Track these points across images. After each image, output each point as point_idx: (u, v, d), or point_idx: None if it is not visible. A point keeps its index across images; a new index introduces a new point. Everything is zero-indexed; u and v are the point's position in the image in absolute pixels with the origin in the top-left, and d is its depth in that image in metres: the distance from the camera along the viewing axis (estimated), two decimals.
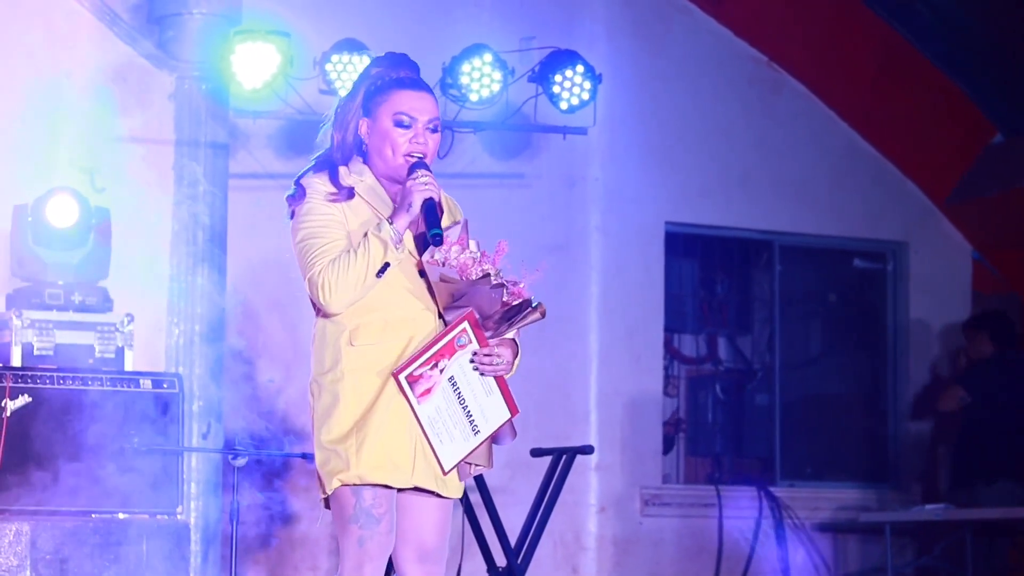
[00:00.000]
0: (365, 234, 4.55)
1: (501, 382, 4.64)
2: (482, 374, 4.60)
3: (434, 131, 4.67)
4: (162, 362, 7.82)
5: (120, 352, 7.26)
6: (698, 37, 9.82)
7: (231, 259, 8.07)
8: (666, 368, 9.95)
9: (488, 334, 4.60)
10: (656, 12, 9.71)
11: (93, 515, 6.76)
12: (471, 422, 4.63)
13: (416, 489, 4.61)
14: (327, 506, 4.65)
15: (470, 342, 4.58)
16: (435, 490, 4.62)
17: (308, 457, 5.66)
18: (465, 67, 8.18)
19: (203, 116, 8.00)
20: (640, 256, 9.63)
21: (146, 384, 7.01)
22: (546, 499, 7.15)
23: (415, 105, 4.65)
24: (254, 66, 7.71)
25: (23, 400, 6.75)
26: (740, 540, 9.76)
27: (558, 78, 8.33)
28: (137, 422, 6.90)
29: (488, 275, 4.56)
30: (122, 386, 6.95)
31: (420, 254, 4.60)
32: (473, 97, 8.21)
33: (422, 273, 4.60)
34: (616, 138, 9.46)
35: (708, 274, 10.30)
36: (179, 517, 6.95)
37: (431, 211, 4.60)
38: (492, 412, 4.66)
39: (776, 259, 10.25)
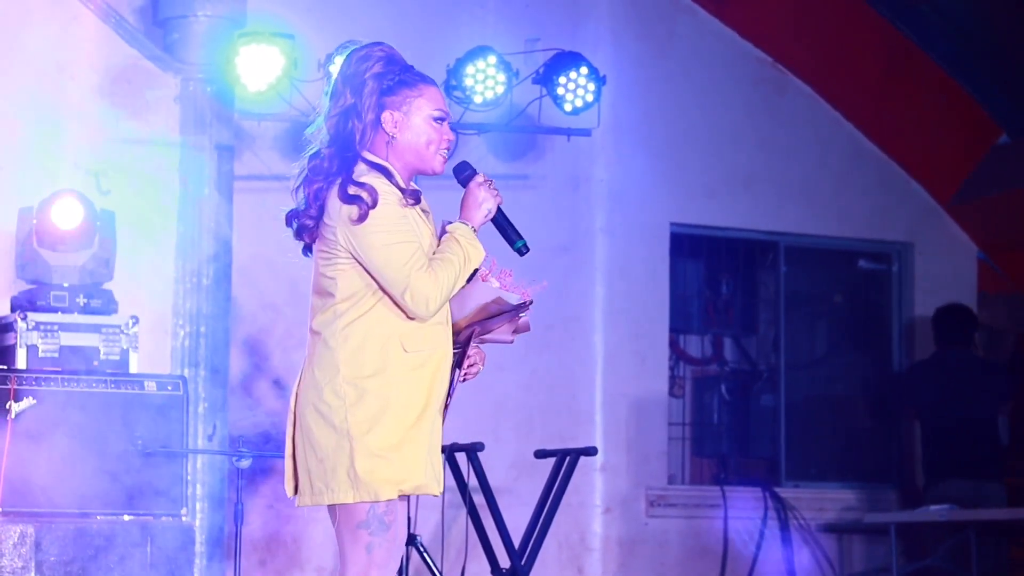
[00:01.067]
0: (456, 241, 4.50)
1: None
2: (464, 381, 4.66)
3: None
4: (167, 364, 7.83)
5: (125, 354, 7.26)
6: (702, 38, 9.82)
7: (236, 261, 8.08)
8: (671, 369, 9.95)
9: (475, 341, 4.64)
10: (660, 13, 9.70)
11: (98, 517, 6.77)
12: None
13: None
14: (295, 503, 4.65)
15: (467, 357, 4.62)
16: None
17: None
18: (469, 69, 8.18)
19: (208, 118, 8.02)
20: (645, 257, 9.62)
21: (151, 386, 7.02)
22: (550, 500, 7.15)
23: (445, 102, 4.65)
24: (259, 68, 7.73)
25: (28, 402, 6.76)
26: (745, 541, 9.75)
27: (562, 80, 8.34)
28: (142, 424, 6.91)
29: (532, 301, 4.55)
30: (127, 388, 6.96)
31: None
32: (477, 99, 8.22)
33: None
34: (620, 139, 9.46)
35: (713, 275, 10.29)
36: (184, 519, 6.96)
37: (507, 219, 4.58)
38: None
39: (781, 260, 10.24)
